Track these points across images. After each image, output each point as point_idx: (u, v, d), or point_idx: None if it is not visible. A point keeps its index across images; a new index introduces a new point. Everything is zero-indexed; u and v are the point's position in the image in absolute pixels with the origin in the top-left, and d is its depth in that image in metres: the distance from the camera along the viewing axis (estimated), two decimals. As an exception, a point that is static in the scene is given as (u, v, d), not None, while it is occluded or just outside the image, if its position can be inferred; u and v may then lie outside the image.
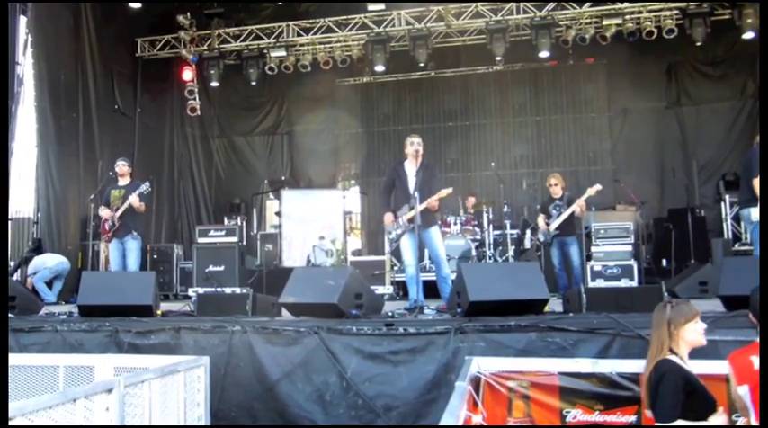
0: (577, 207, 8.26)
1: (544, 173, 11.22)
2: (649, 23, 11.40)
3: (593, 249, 9.06)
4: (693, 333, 3.52)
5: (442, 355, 5.07)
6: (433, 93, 14.04)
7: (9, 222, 10.06)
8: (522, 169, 13.38)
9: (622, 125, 13.20)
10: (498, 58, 12.03)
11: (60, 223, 10.30)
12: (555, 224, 8.37)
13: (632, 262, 8.86)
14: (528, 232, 10.80)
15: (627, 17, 11.45)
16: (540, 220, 8.61)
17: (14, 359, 5.07)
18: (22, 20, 10.38)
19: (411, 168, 6.84)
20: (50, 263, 9.63)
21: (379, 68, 12.53)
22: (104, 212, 8.09)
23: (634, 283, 8.60)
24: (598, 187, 8.34)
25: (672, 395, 3.31)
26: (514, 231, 10.91)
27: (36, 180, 10.24)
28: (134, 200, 7.85)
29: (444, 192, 6.62)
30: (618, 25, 11.45)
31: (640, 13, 11.46)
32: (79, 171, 10.96)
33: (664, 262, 10.67)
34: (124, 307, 6.14)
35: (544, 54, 11.80)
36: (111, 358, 5.17)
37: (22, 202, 10.49)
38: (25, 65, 10.22)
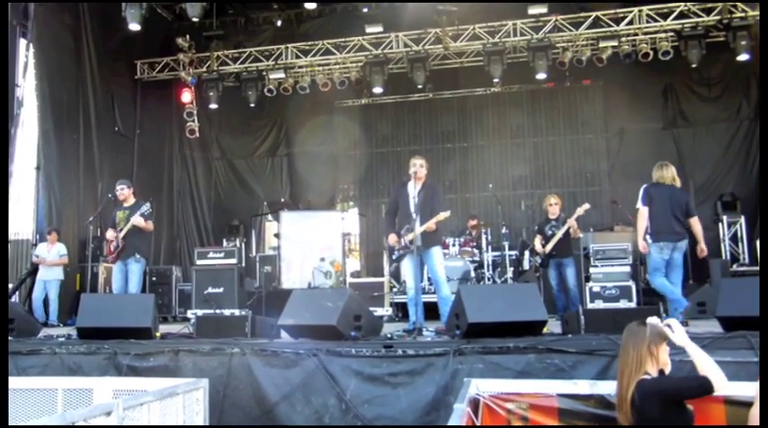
0: (568, 227, 8.32)
1: (542, 194, 11.30)
2: (645, 45, 11.53)
3: (591, 270, 9.08)
4: (665, 353, 3.57)
5: (440, 377, 5.07)
6: (431, 114, 14.13)
7: (8, 244, 10.10)
8: (520, 190, 13.44)
9: (619, 146, 13.27)
10: (496, 80, 12.18)
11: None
12: (549, 245, 8.42)
13: (630, 282, 8.87)
14: (526, 253, 10.81)
15: (623, 39, 11.58)
16: (537, 242, 8.65)
17: (13, 382, 5.07)
18: (22, 42, 10.48)
19: (413, 189, 6.90)
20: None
21: (378, 90, 12.67)
22: (110, 234, 8.12)
23: (633, 304, 8.61)
24: (586, 206, 8.43)
25: (666, 410, 3.35)
26: (513, 252, 10.93)
27: (36, 201, 10.27)
28: (138, 220, 7.89)
29: (442, 216, 6.67)
30: (614, 47, 11.59)
31: (636, 35, 11.61)
32: (79, 192, 11.04)
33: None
34: (123, 330, 6.14)
35: (541, 76, 11.93)
36: (110, 380, 5.17)
37: (21, 224, 10.50)
38: (25, 87, 10.29)
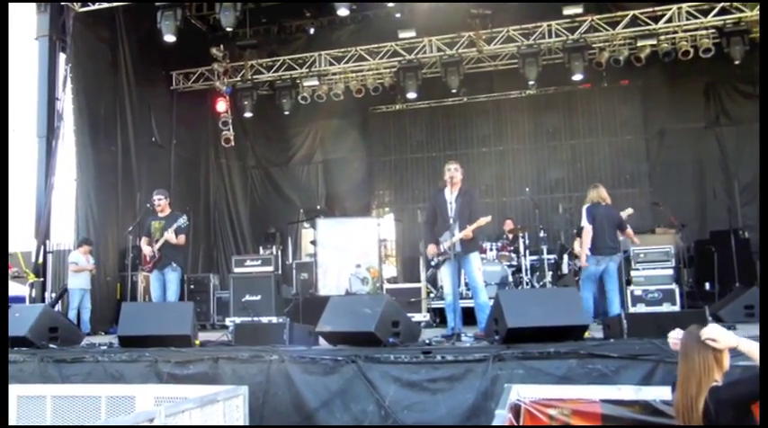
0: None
1: (580, 197, 11.13)
2: (685, 43, 11.35)
3: (632, 273, 8.95)
4: (728, 359, 3.49)
5: (480, 383, 5.05)
6: (465, 118, 14.10)
7: (50, 254, 10.34)
8: (558, 193, 13.32)
9: (660, 146, 13.06)
10: (531, 83, 12.11)
11: (99, 255, 10.52)
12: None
13: (674, 286, 8.73)
14: (565, 257, 10.71)
15: (662, 38, 11.42)
16: (577, 245, 8.55)
17: (57, 389, 5.21)
18: (62, 57, 10.73)
19: (449, 195, 6.89)
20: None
21: (412, 95, 12.70)
22: (145, 244, 8.27)
23: (676, 308, 8.46)
24: (630, 211, 8.33)
25: (738, 415, 3.28)
26: (551, 256, 10.83)
27: (75, 212, 10.50)
28: (170, 236, 8.01)
29: (483, 221, 6.64)
30: (653, 46, 11.43)
31: (675, 32, 11.43)
32: (118, 202, 11.23)
33: (707, 285, 10.46)
34: (163, 338, 6.24)
35: (578, 77, 11.82)
36: (152, 388, 5.25)
37: (63, 234, 10.77)
38: (65, 100, 10.54)
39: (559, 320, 5.40)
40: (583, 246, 7.67)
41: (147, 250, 8.20)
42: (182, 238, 8.16)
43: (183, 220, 8.14)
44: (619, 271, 8.34)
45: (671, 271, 8.81)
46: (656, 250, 9.04)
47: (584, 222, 7.66)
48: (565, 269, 10.67)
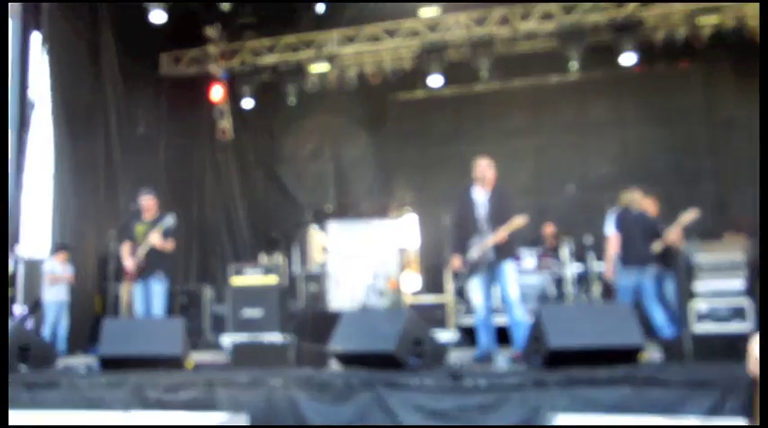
0: (673, 236, 8.15)
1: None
2: (755, 19, 11.21)
3: (697, 286, 8.82)
4: None
5: (518, 413, 5.02)
6: (498, 108, 14.02)
7: (20, 262, 10.37)
8: (606, 192, 13.17)
9: (727, 138, 12.91)
10: (573, 66, 11.99)
11: (77, 262, 10.53)
12: None
13: (746, 301, 8.59)
14: (617, 266, 10.61)
15: (727, 13, 11.28)
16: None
17: (30, 417, 5.18)
18: (35, 36, 10.68)
19: (480, 195, 6.83)
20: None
21: (436, 81, 12.63)
22: (126, 251, 8.27)
23: (749, 326, 8.33)
24: (693, 213, 8.24)
25: None
26: (600, 264, 10.71)
27: (51, 214, 10.53)
28: (155, 239, 8.01)
29: (518, 222, 6.59)
30: (716, 23, 11.30)
31: (743, 6, 11.28)
32: (99, 203, 11.27)
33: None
34: (150, 359, 6.28)
35: (628, 59, 11.73)
36: (137, 416, 5.24)
37: (36, 239, 10.80)
38: (37, 87, 10.56)
39: (611, 340, 5.37)
40: (607, 257, 8.04)
41: (128, 259, 8.19)
42: (170, 243, 8.15)
43: (171, 221, 8.15)
44: (678, 283, 8.27)
45: (742, 284, 8.67)
46: (723, 259, 8.89)
47: (609, 229, 8.04)
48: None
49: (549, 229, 11.31)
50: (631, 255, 7.88)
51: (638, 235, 7.91)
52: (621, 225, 7.99)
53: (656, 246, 8.48)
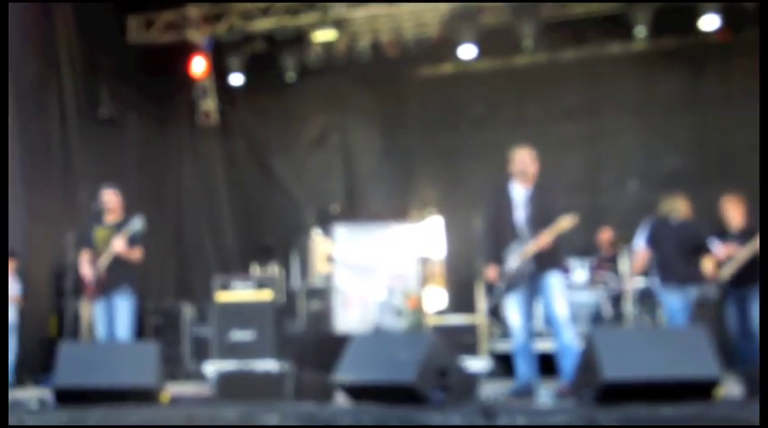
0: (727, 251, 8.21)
1: (710, 193, 10.99)
2: None
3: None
4: None
5: (565, 458, 5.04)
6: (543, 85, 14.03)
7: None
8: (678, 189, 13.16)
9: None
10: (640, 32, 11.97)
11: (27, 274, 10.64)
12: (728, 269, 8.24)
13: None
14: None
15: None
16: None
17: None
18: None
19: (519, 193, 6.87)
20: None
21: (467, 52, 12.65)
22: (85, 261, 8.32)
23: None
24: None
25: None
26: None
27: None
28: (119, 245, 8.06)
29: (565, 223, 6.62)
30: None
31: None
32: (53, 201, 11.38)
33: None
34: (117, 392, 6.29)
35: (709, 23, 11.72)
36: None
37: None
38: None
39: (679, 371, 5.37)
40: (633, 272, 8.48)
41: (86, 271, 8.26)
42: (138, 250, 8.21)
43: (138, 224, 8.18)
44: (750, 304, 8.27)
45: None
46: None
47: (638, 241, 8.25)
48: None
49: (605, 235, 11.30)
50: (669, 273, 8.14)
51: (676, 250, 8.09)
52: (654, 238, 8.21)
53: (707, 264, 8.54)
